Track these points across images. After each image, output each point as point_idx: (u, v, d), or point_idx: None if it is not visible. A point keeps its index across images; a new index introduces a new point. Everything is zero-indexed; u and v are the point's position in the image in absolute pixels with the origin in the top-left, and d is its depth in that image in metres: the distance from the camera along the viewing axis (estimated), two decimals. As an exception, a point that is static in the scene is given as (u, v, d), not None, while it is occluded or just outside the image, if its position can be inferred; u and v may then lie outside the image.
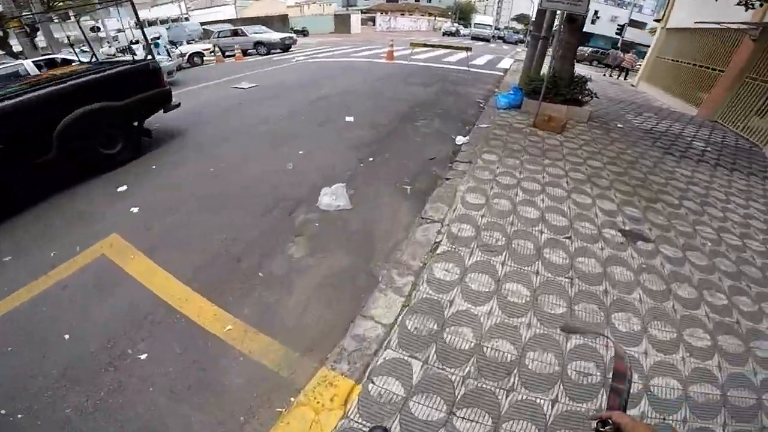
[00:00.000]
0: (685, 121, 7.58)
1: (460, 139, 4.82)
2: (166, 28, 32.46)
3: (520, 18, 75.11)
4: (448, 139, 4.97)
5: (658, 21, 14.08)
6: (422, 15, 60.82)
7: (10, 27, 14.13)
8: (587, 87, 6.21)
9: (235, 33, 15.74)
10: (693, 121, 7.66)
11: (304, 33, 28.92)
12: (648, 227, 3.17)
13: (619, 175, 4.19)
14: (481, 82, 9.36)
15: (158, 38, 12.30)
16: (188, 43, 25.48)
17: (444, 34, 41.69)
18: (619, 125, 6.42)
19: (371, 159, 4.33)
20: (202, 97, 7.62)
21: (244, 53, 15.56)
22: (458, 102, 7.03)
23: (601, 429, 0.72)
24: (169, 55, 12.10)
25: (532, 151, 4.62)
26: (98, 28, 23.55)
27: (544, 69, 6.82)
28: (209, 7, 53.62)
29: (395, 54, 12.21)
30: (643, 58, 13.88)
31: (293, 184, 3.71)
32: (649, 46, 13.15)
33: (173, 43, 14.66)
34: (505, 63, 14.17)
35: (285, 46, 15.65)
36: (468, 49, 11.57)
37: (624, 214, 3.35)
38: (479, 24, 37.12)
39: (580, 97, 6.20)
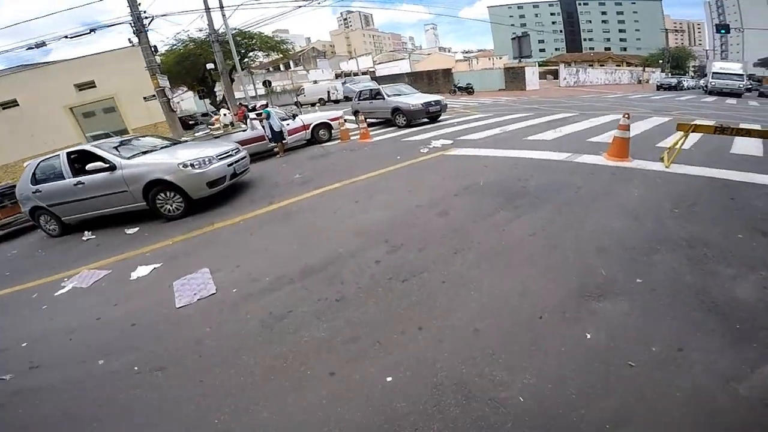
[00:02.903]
0: None
1: None
2: (342, 83, 34.44)
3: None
4: None
5: None
6: (618, 65, 50.29)
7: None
8: None
9: (374, 95, 12.37)
10: None
11: (468, 90, 25.08)
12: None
13: None
14: None
15: (266, 106, 9.81)
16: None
17: (659, 87, 31.43)
18: None
19: None
20: None
21: (387, 122, 12.03)
22: None
23: None
24: (276, 131, 9.29)
25: None
26: (268, 83, 25.64)
27: None
28: (390, 62, 57.82)
29: (621, 138, 5.92)
30: None
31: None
32: None
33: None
34: None
35: (430, 116, 11.34)
36: None
37: None
38: (722, 73, 25.67)
39: None
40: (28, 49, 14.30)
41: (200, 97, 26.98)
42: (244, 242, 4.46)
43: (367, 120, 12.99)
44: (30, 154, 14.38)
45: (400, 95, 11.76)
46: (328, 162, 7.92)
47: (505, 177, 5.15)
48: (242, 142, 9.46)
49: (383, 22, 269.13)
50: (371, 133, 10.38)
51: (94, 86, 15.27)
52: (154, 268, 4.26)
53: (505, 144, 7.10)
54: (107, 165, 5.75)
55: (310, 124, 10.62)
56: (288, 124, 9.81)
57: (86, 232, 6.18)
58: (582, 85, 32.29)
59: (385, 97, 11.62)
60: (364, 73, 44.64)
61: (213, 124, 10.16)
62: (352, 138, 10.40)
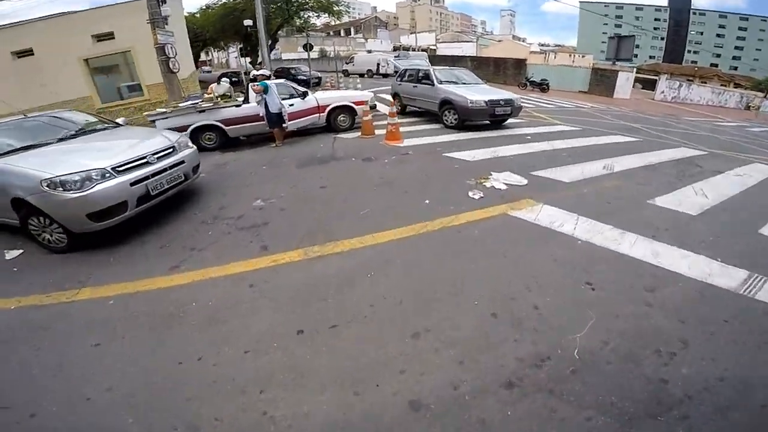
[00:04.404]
0: None
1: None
2: (395, 56, 31.16)
3: None
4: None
5: None
6: (724, 85, 42.33)
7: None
8: None
9: (421, 77, 9.16)
10: None
11: (542, 87, 21.19)
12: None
13: None
14: None
15: (267, 78, 7.16)
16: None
17: (780, 119, 25.32)
18: None
19: None
20: None
21: (432, 116, 9.09)
22: None
23: None
24: (273, 113, 6.76)
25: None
26: (310, 46, 22.70)
27: None
28: (454, 42, 53.03)
29: None
30: None
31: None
32: None
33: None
34: None
35: (495, 119, 8.18)
36: None
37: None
38: None
39: None
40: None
41: (241, 55, 24.98)
42: (59, 364, 2.00)
43: (408, 108, 10.07)
44: (37, 104, 13.19)
45: (456, 83, 8.55)
46: (319, 180, 5.08)
47: (629, 334, 2.14)
48: (234, 120, 7.06)
49: (454, 2, 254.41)
50: (404, 131, 7.47)
51: (113, 37, 13.77)
52: None
53: (619, 213, 3.86)
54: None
55: (327, 106, 7.89)
56: (292, 105, 7.16)
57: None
58: (681, 103, 26.71)
59: (435, 82, 8.44)
60: (423, 50, 40.63)
61: (209, 93, 7.79)
62: (377, 133, 7.60)
